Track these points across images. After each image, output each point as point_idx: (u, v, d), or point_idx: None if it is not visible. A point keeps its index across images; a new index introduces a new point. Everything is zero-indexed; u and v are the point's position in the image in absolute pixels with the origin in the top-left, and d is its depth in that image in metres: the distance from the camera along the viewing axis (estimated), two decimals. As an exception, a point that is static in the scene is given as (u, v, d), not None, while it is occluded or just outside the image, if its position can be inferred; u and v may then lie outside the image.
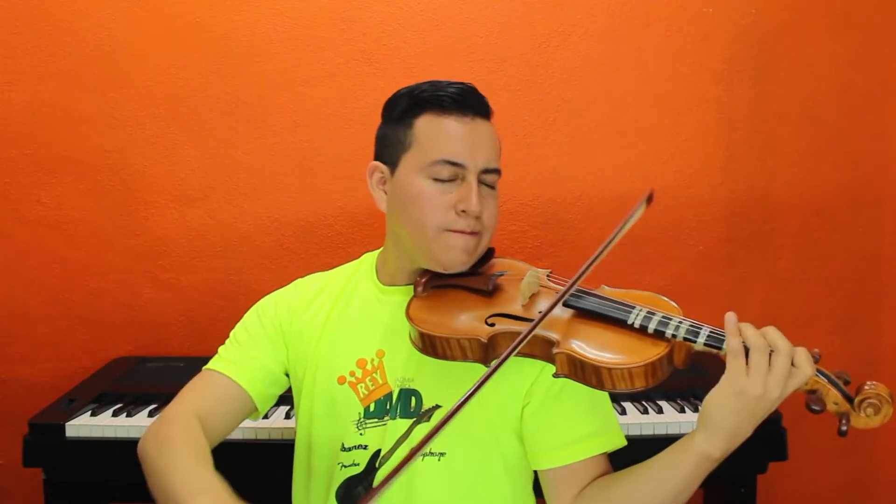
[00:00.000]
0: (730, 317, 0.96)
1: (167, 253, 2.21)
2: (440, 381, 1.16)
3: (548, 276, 1.18)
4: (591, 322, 1.05)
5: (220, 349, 1.27)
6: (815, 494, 2.36)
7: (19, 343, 2.22)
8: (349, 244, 2.21)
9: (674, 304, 1.07)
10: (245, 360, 1.23)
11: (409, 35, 2.18)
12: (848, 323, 2.30)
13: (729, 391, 0.94)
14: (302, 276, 1.35)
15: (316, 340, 1.23)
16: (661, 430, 1.77)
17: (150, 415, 1.79)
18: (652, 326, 1.00)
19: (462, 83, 1.16)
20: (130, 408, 1.83)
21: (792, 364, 0.94)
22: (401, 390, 1.18)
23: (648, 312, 1.02)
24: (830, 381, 0.96)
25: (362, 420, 1.18)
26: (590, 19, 2.20)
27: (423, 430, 1.15)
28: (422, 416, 1.16)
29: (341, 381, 1.20)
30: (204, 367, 1.24)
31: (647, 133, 2.22)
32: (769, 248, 2.28)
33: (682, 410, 1.83)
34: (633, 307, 1.03)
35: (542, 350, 1.05)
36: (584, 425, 1.14)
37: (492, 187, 1.17)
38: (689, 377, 1.87)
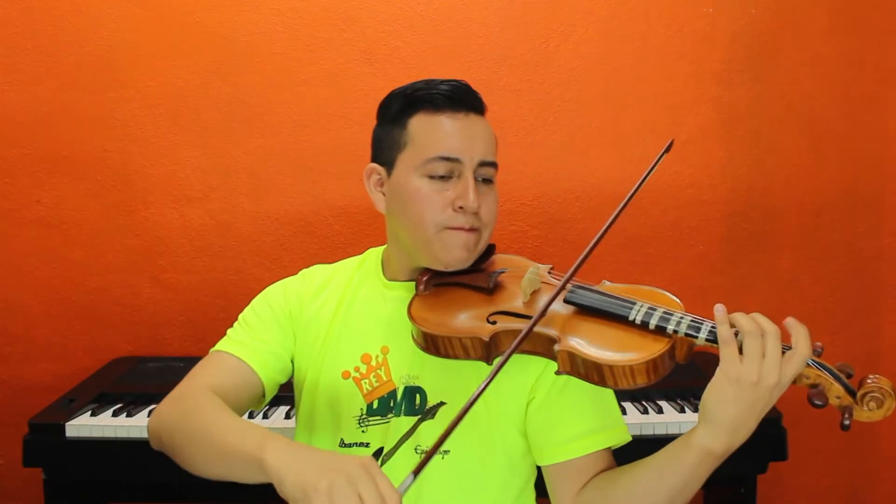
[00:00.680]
0: (719, 307, 0.96)
1: (167, 253, 2.21)
2: (444, 378, 1.16)
3: (549, 272, 1.18)
4: (593, 319, 1.05)
5: (229, 331, 1.24)
6: (816, 494, 2.36)
7: (19, 343, 2.22)
8: (349, 244, 2.21)
9: (676, 298, 1.06)
10: (255, 342, 1.21)
11: (409, 35, 2.18)
12: (848, 323, 2.30)
13: (725, 380, 0.94)
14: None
15: (324, 334, 1.22)
16: (661, 430, 1.77)
17: (150, 415, 1.78)
18: (653, 322, 1.00)
19: (455, 80, 1.16)
20: (130, 408, 1.83)
21: (789, 347, 0.93)
22: (405, 388, 1.17)
23: (650, 308, 1.01)
24: (833, 375, 0.96)
25: (364, 417, 1.18)
26: (590, 19, 2.20)
27: (427, 426, 1.15)
28: (426, 413, 1.16)
29: (345, 375, 1.20)
30: (212, 350, 1.22)
31: (647, 133, 2.22)
32: (769, 248, 2.28)
33: (682, 410, 1.83)
34: (635, 303, 1.03)
35: (544, 347, 1.05)
36: (587, 421, 1.13)
37: (490, 182, 1.17)
38: (689, 377, 1.89)
